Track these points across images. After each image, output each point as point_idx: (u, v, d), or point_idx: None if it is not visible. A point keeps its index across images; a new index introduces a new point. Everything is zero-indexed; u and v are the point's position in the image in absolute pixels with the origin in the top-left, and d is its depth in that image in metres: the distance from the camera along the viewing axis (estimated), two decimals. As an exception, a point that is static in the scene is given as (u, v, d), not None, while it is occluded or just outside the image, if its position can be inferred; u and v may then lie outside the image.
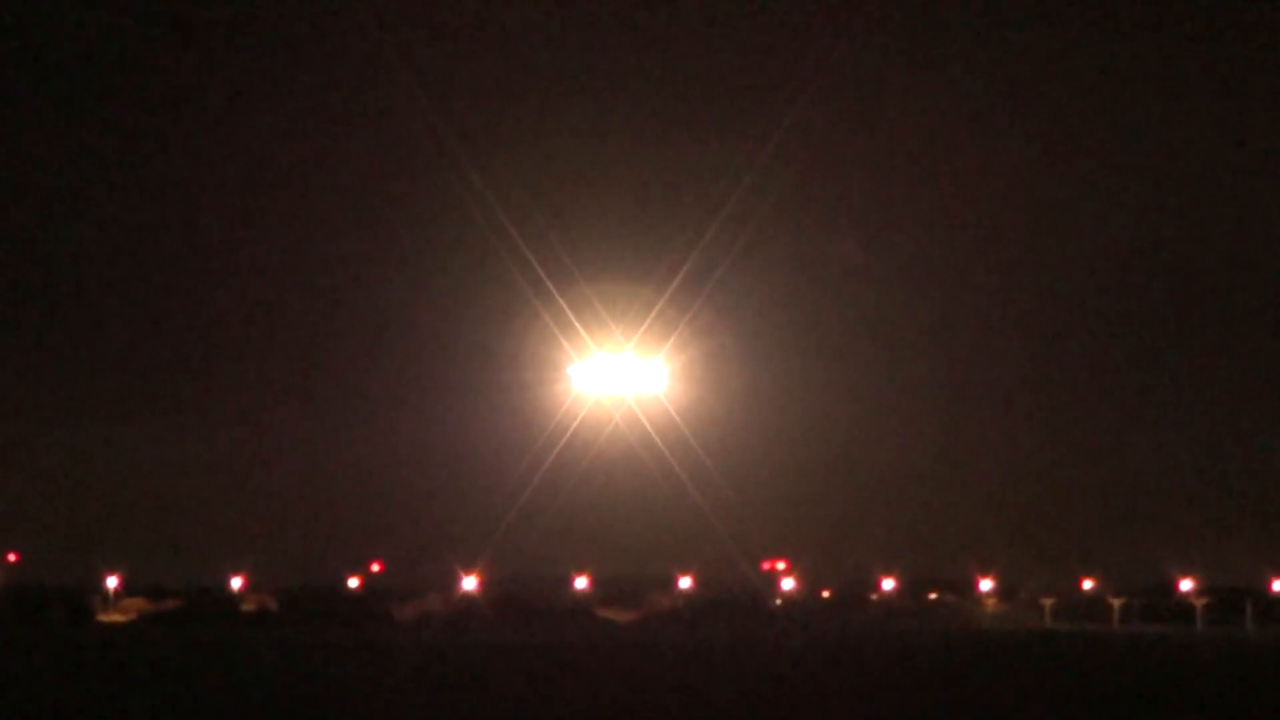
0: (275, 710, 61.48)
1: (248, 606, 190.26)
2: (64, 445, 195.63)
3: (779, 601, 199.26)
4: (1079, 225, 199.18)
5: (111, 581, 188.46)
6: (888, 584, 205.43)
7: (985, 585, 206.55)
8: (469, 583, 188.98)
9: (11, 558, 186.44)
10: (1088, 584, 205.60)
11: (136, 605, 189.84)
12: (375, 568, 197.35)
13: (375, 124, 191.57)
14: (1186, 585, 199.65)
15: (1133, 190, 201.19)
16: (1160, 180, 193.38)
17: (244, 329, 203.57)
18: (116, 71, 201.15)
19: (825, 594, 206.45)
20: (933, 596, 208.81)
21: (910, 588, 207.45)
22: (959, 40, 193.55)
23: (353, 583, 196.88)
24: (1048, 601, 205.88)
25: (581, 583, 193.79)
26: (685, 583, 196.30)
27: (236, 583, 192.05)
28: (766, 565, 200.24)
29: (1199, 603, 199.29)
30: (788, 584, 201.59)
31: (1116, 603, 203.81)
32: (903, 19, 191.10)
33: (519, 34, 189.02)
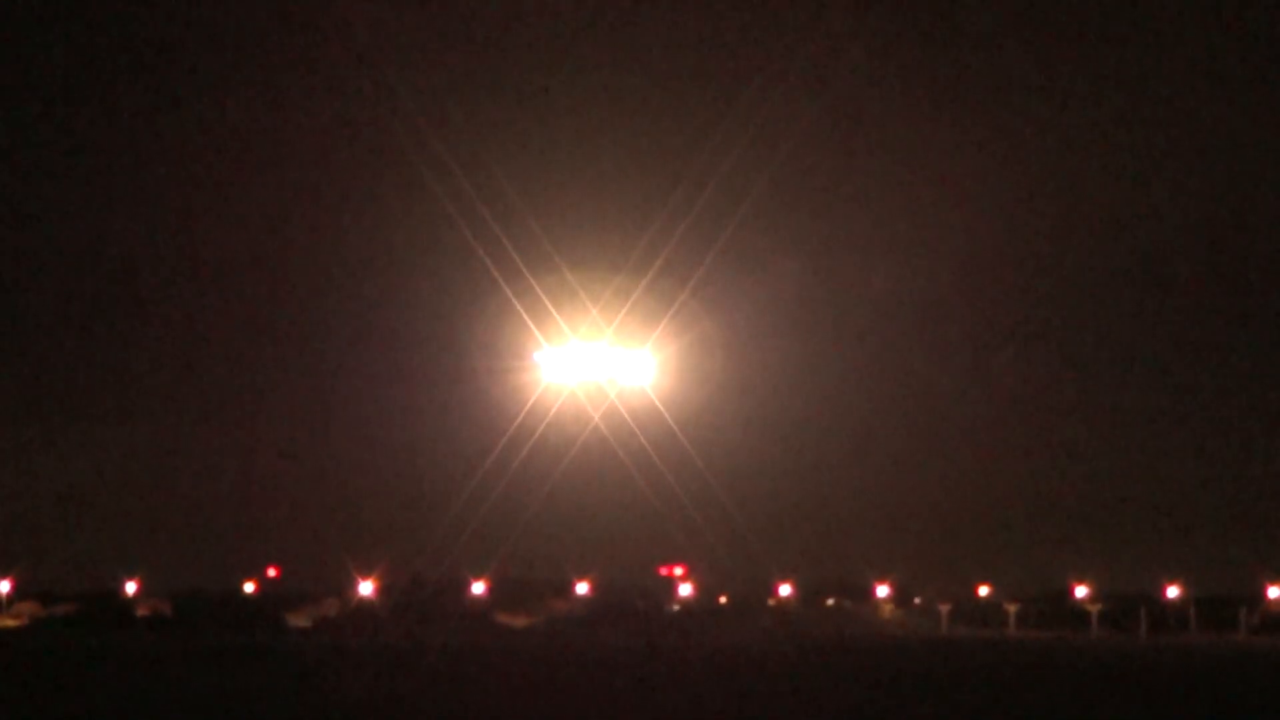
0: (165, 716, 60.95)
1: (142, 612, 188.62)
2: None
3: (676, 607, 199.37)
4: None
5: (3, 586, 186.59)
6: (784, 589, 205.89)
7: (882, 591, 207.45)
8: (365, 587, 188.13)
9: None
10: (984, 590, 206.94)
11: (29, 610, 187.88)
12: (271, 573, 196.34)
13: (337, 103, 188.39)
14: (1081, 592, 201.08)
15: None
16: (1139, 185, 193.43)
17: (153, 324, 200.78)
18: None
19: (722, 599, 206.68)
20: (830, 602, 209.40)
21: (807, 593, 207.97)
22: (957, 18, 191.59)
23: (248, 588, 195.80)
24: (944, 607, 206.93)
25: (479, 587, 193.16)
26: (582, 588, 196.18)
27: (131, 587, 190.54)
28: (664, 570, 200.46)
29: (1093, 609, 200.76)
30: (685, 589, 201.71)
31: (1012, 608, 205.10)
32: None
33: (491, 9, 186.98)
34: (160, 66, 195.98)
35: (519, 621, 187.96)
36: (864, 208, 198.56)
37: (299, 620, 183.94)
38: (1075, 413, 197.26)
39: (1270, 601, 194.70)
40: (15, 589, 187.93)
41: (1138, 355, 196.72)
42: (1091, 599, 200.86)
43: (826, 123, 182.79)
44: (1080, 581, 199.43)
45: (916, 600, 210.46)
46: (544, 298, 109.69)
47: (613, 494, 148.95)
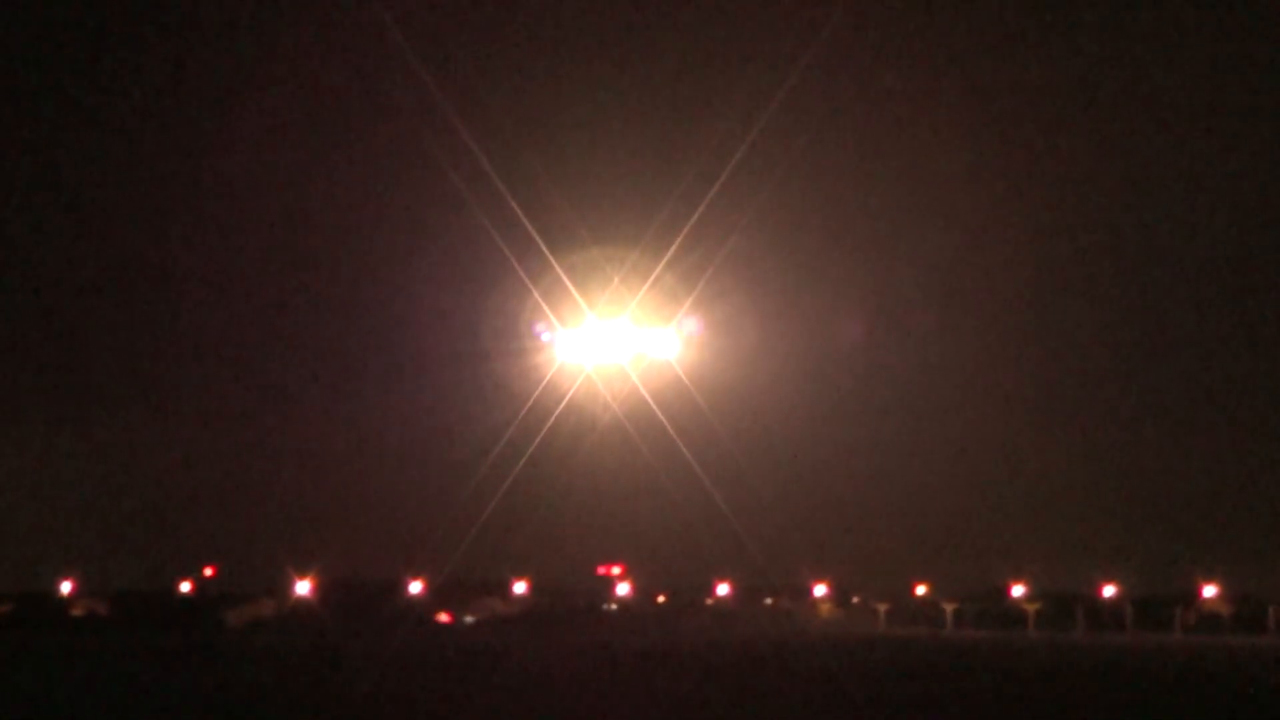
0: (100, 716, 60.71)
1: (77, 611, 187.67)
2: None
3: (613, 606, 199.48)
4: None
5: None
6: (722, 589, 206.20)
7: (820, 591, 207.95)
8: (303, 587, 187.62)
9: None
10: (921, 589, 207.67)
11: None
12: (208, 572, 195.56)
13: (349, 80, 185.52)
14: (1018, 591, 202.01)
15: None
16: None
17: (92, 319, 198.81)
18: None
19: (660, 599, 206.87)
20: (768, 602, 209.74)
21: (745, 593, 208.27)
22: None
23: (184, 587, 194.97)
24: (882, 607, 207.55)
25: (416, 586, 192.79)
26: (520, 587, 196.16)
27: (66, 587, 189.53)
28: (602, 570, 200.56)
29: (1030, 608, 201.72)
30: (623, 589, 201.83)
31: (949, 608, 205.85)
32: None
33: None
34: (167, 48, 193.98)
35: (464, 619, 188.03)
36: (892, 183, 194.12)
37: (237, 619, 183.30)
38: (1009, 414, 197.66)
39: (1204, 601, 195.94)
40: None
41: (1071, 356, 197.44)
42: (1028, 598, 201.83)
43: (857, 93, 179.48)
44: (1017, 581, 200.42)
45: (855, 600, 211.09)
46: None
47: (552, 493, 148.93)
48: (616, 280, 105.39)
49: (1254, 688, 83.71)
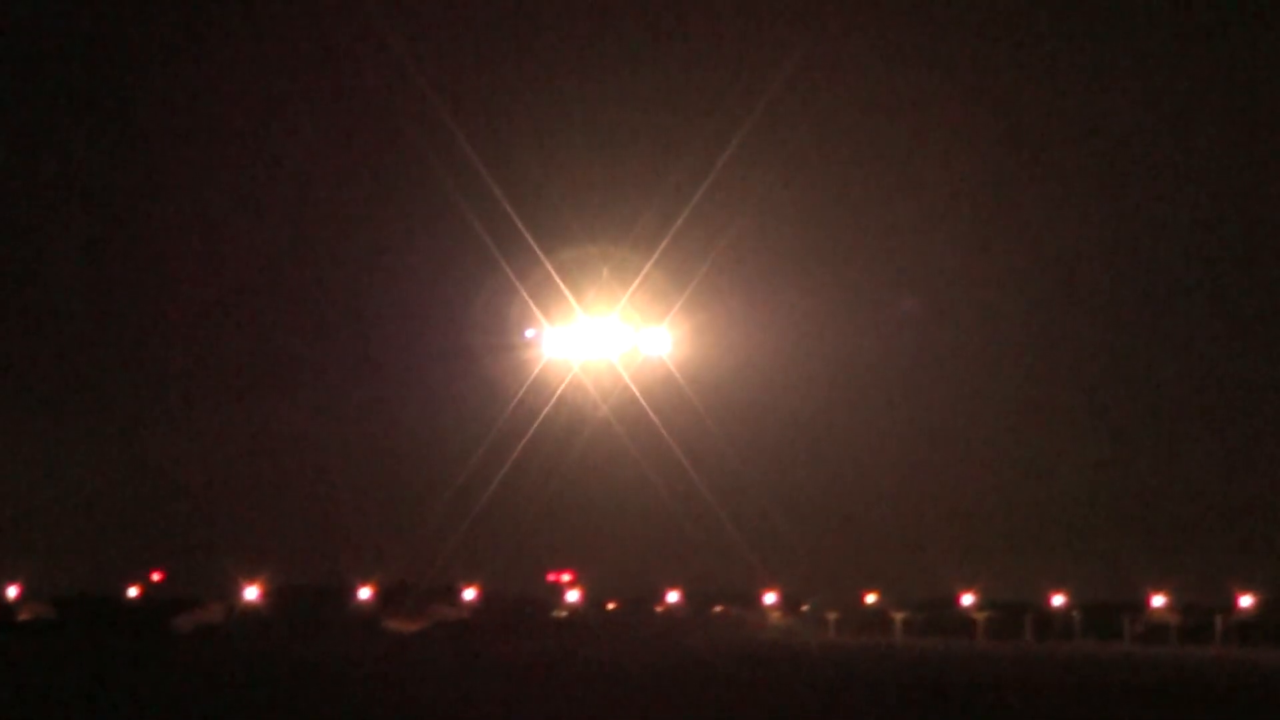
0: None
1: (23, 616, 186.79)
2: None
3: (563, 613, 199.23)
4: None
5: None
6: (672, 596, 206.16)
7: (769, 598, 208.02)
8: (251, 592, 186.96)
9: None
10: (871, 598, 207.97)
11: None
12: (155, 577, 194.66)
13: (336, 76, 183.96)
14: (968, 600, 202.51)
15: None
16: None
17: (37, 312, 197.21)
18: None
19: (611, 606, 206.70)
20: (717, 609, 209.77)
21: (695, 600, 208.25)
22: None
23: (132, 592, 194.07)
24: (831, 615, 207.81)
25: (365, 593, 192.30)
26: (470, 594, 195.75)
27: (12, 591, 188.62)
28: (552, 576, 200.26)
29: (979, 617, 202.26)
30: (573, 595, 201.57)
31: (899, 617, 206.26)
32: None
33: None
34: (155, 44, 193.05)
35: (408, 628, 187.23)
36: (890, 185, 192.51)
37: (184, 624, 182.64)
38: (959, 422, 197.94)
39: (1153, 610, 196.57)
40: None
41: (1020, 364, 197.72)
42: (978, 607, 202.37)
43: (850, 89, 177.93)
44: (967, 589, 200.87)
45: (804, 608, 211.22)
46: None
47: (499, 499, 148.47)
48: (603, 277, 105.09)
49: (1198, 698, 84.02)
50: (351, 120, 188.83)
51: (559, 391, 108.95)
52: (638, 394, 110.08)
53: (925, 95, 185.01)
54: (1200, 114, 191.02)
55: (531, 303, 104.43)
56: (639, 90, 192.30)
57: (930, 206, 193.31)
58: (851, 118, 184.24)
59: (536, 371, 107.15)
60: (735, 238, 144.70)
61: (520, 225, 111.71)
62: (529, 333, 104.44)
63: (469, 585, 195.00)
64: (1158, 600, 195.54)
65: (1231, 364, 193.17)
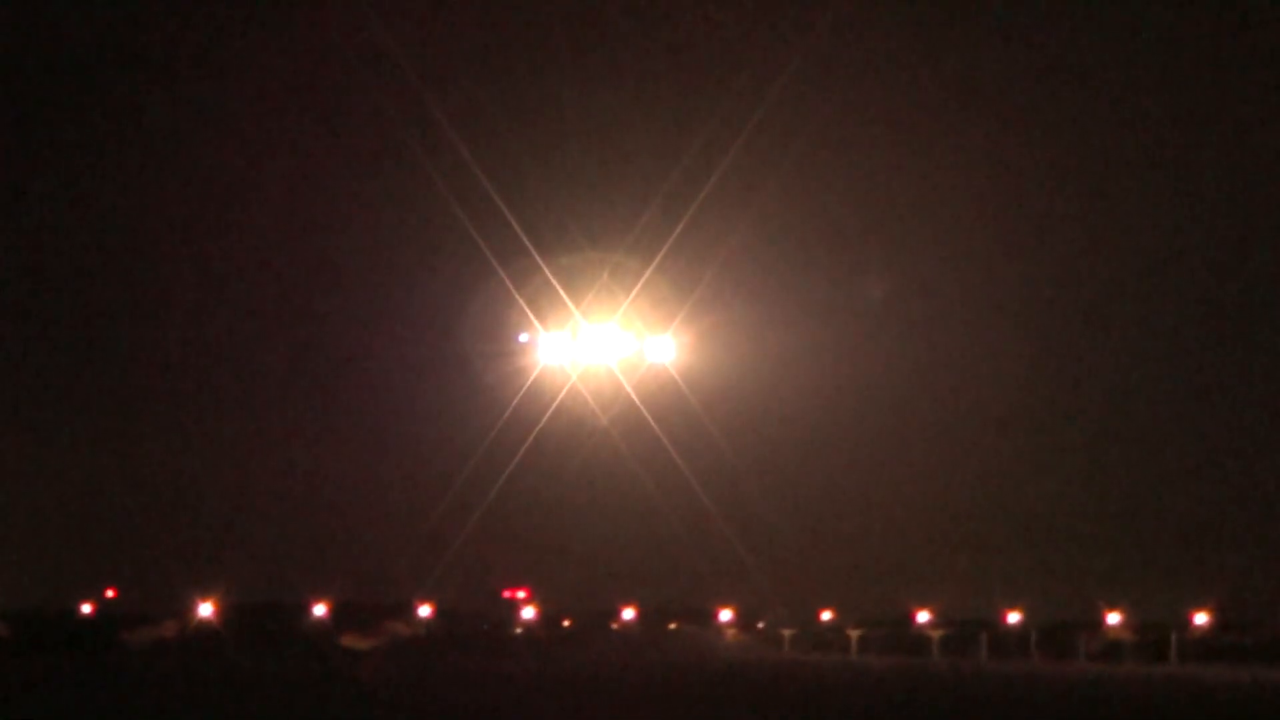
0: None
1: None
2: None
3: (519, 630, 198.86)
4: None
5: None
6: (628, 613, 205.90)
7: (725, 615, 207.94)
8: (205, 609, 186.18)
9: None
10: (826, 615, 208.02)
11: None
12: (110, 594, 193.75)
13: (331, 78, 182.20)
14: (923, 618, 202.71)
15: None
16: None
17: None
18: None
19: (566, 623, 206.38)
20: (673, 626, 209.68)
21: (650, 617, 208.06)
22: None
23: (85, 608, 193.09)
24: (787, 633, 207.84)
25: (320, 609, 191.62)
26: (425, 610, 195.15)
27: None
28: (507, 593, 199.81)
29: (935, 635, 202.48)
30: (528, 612, 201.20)
31: (854, 634, 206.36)
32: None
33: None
34: (148, 48, 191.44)
35: (363, 645, 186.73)
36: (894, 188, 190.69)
37: (138, 641, 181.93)
38: (913, 442, 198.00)
39: (1108, 628, 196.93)
40: None
41: (977, 378, 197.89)
42: (933, 625, 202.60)
43: (854, 92, 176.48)
44: (922, 607, 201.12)
45: (759, 625, 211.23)
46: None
47: (454, 515, 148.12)
48: (602, 282, 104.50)
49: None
50: (348, 123, 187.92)
51: (558, 400, 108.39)
52: (639, 402, 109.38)
53: (936, 99, 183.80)
54: (1206, 127, 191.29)
55: (527, 308, 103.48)
56: (640, 93, 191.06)
57: (940, 211, 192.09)
58: (860, 122, 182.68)
59: (527, 377, 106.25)
60: (739, 244, 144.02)
61: (518, 229, 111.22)
62: (522, 337, 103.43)
63: (424, 602, 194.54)
64: (1113, 618, 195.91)
65: (1185, 383, 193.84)
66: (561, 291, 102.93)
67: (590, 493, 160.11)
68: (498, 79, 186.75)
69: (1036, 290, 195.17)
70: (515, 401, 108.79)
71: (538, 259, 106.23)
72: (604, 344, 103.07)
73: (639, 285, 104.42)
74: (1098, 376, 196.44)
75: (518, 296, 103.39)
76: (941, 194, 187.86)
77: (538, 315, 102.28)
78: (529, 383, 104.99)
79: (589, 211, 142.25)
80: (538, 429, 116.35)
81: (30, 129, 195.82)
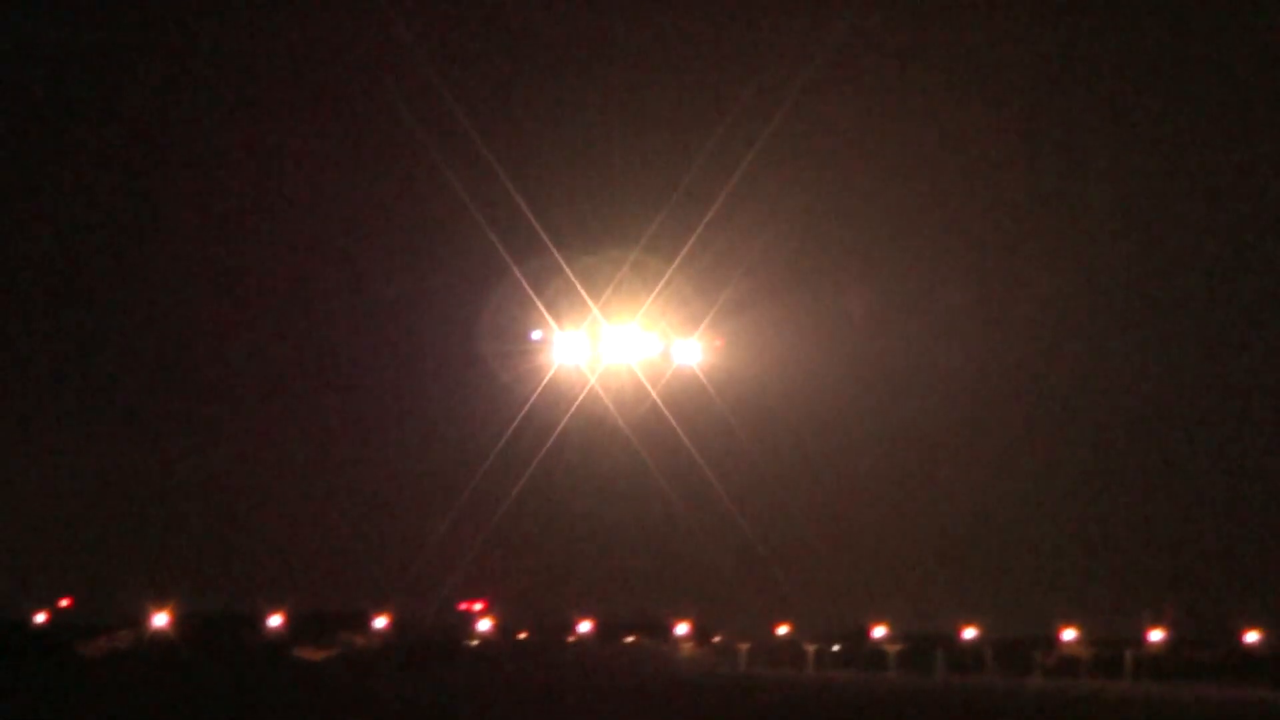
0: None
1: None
2: None
3: (475, 642, 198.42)
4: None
5: None
6: (584, 626, 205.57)
7: (681, 629, 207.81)
8: (160, 619, 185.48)
9: None
10: (783, 630, 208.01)
11: None
12: (64, 603, 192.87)
13: (343, 79, 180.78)
14: (880, 632, 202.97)
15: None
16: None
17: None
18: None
19: (521, 636, 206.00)
20: (629, 639, 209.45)
21: (606, 630, 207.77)
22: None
23: (39, 618, 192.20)
24: (743, 647, 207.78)
25: (276, 620, 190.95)
26: (380, 621, 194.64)
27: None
28: (464, 605, 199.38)
29: (891, 650, 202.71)
30: (484, 625, 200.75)
31: (811, 649, 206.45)
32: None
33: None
34: (159, 44, 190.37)
35: (317, 656, 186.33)
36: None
37: (93, 651, 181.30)
38: (870, 456, 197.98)
39: (1063, 643, 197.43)
40: None
41: (937, 392, 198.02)
42: (890, 639, 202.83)
43: (877, 90, 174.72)
44: (879, 622, 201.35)
45: (716, 639, 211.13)
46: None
47: (409, 526, 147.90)
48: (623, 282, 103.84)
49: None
50: (365, 121, 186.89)
51: (527, 406, 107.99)
52: (660, 403, 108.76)
53: (962, 95, 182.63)
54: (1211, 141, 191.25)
55: (542, 306, 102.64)
56: (662, 92, 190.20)
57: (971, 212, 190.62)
58: (892, 117, 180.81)
59: (539, 376, 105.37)
60: (767, 245, 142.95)
61: (538, 228, 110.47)
62: (535, 335, 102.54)
63: (379, 613, 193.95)
64: (1068, 634, 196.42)
65: (1143, 398, 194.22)
66: (581, 289, 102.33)
67: (552, 507, 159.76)
68: (516, 76, 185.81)
69: (991, 301, 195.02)
70: (518, 401, 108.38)
71: (557, 256, 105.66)
72: (624, 344, 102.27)
73: (660, 285, 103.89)
74: (1054, 395, 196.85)
75: (533, 295, 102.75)
76: (977, 196, 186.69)
77: (556, 315, 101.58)
78: (534, 383, 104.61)
79: (608, 210, 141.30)
80: (506, 436, 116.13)
81: (36, 121, 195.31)
